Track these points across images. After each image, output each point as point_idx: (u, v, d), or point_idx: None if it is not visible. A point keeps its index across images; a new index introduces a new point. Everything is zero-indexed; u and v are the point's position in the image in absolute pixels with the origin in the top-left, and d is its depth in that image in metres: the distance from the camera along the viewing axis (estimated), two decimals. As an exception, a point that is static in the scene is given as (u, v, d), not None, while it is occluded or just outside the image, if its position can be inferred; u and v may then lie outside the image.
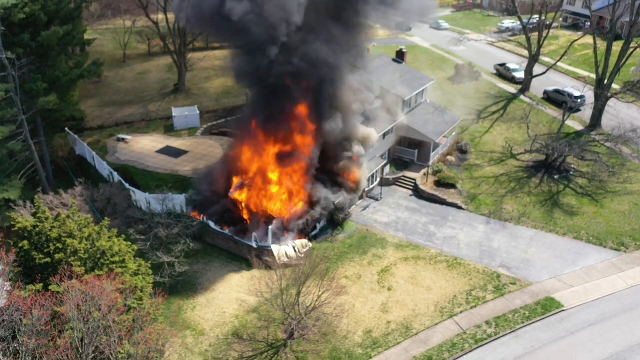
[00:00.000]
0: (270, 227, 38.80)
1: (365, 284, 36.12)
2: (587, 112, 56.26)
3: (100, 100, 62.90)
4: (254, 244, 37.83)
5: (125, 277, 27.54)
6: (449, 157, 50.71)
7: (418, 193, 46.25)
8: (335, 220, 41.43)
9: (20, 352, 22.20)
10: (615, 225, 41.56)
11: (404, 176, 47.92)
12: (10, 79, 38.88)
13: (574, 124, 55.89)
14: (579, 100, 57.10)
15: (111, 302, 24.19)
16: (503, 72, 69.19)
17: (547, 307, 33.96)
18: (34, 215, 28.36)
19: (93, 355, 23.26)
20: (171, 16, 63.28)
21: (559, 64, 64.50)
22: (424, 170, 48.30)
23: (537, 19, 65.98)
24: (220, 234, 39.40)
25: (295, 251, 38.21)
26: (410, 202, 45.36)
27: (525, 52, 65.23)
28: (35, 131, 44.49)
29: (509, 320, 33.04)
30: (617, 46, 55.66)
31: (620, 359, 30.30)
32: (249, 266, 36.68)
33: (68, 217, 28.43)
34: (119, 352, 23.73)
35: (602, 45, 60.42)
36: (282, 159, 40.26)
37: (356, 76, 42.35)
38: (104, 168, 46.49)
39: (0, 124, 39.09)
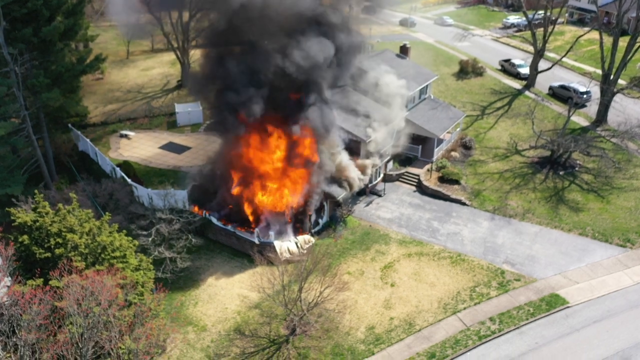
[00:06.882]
0: (272, 223, 38.61)
1: (368, 280, 35.89)
2: (592, 108, 55.80)
3: (103, 97, 62.84)
4: (256, 240, 37.66)
5: (126, 272, 27.46)
6: (452, 153, 50.35)
7: (421, 189, 45.95)
8: (338, 215, 41.19)
9: (20, 347, 22.12)
10: (620, 221, 41.15)
11: (407, 172, 47.59)
12: (12, 74, 38.79)
13: (580, 119, 55.44)
14: (585, 96, 56.60)
15: (111, 297, 24.07)
16: (508, 68, 68.72)
17: (552, 303, 33.64)
18: (34, 210, 28.27)
19: (93, 350, 23.15)
20: (174, 12, 63.16)
21: (564, 59, 64.04)
22: (427, 166, 47.95)
23: (543, 14, 65.44)
24: (223, 230, 39.24)
25: (297, 247, 38.03)
26: (414, 198, 45.06)
27: (531, 48, 64.75)
28: (38, 127, 44.38)
29: (513, 317, 32.74)
30: (623, 41, 55.13)
31: (625, 356, 29.99)
32: (251, 262, 36.51)
33: (68, 211, 28.34)
34: (120, 347, 23.63)
35: (608, 40, 59.88)
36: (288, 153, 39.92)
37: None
38: (106, 164, 46.40)
39: (3, 119, 39.03)
